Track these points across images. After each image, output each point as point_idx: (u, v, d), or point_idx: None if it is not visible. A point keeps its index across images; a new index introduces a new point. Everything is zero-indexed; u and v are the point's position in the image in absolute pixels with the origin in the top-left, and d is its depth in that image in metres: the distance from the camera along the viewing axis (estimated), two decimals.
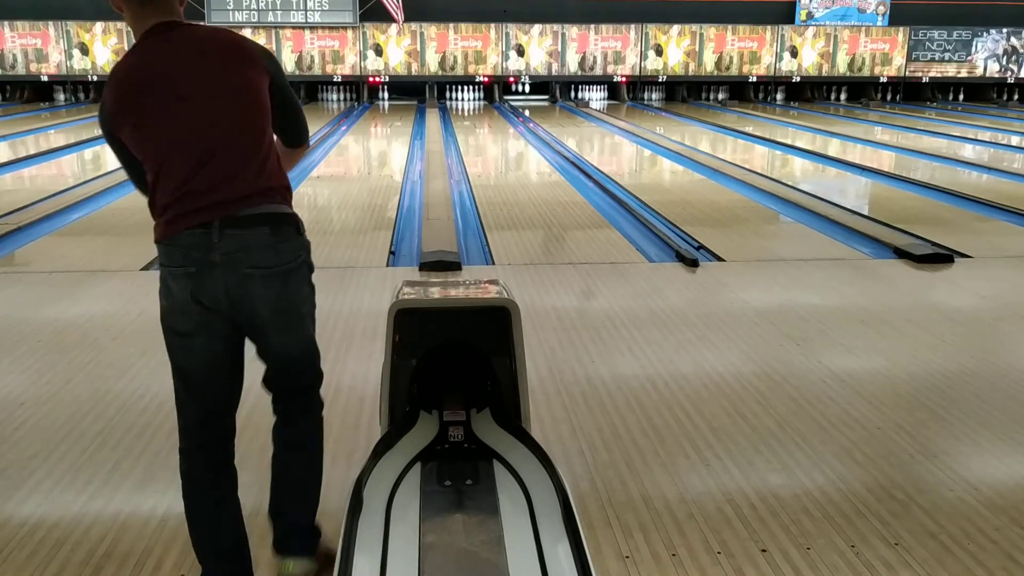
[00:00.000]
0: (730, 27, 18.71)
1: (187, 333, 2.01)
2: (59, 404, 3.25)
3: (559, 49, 18.57)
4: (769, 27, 18.81)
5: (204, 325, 2.00)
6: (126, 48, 15.02)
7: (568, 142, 12.10)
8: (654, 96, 19.57)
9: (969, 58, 19.28)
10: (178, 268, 1.97)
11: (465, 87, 19.11)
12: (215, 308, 1.98)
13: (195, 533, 2.13)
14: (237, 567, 2.13)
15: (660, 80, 19.07)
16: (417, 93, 18.72)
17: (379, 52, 18.28)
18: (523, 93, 19.45)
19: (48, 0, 17.58)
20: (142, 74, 1.98)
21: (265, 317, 2.03)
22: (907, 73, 19.29)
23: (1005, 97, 19.85)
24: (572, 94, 19.52)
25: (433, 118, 15.42)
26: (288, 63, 18.09)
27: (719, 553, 2.31)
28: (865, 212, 7.15)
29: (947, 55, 19.24)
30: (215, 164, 1.96)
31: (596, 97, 19.55)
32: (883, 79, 19.31)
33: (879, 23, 19.06)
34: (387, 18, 17.99)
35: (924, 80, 19.39)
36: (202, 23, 2.81)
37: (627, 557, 2.28)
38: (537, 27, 18.42)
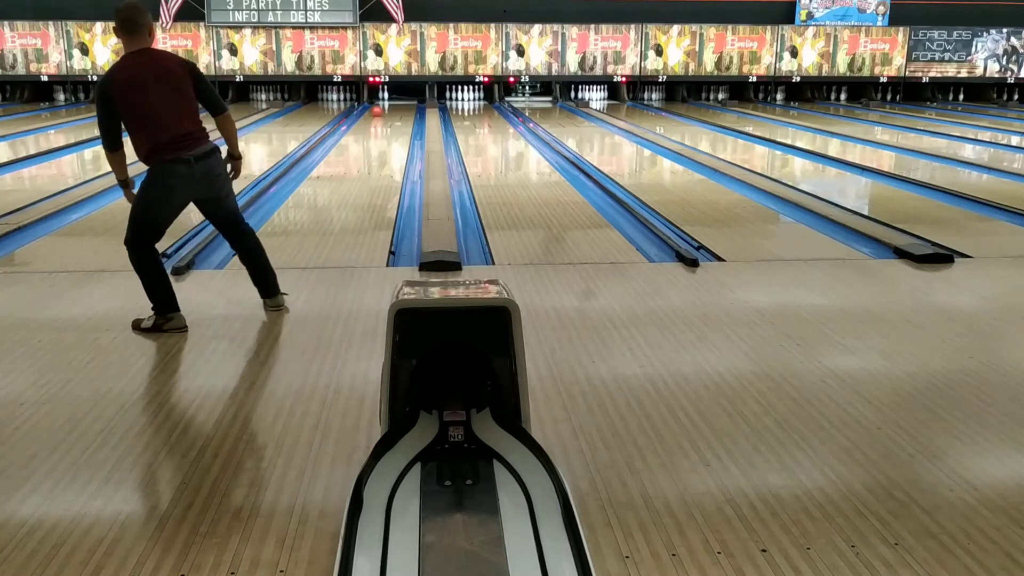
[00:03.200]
0: (730, 27, 18.71)
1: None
2: (59, 404, 3.25)
3: (559, 49, 18.58)
4: (769, 27, 18.82)
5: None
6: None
7: (568, 142, 12.10)
8: (654, 96, 19.58)
9: (969, 58, 19.29)
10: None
11: (465, 87, 19.11)
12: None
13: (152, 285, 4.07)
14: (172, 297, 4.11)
15: (660, 80, 19.07)
16: (417, 93, 18.73)
17: (379, 52, 18.29)
18: (524, 94, 19.48)
19: (48, 0, 17.58)
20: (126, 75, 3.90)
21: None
22: (907, 73, 19.29)
23: (1005, 97, 19.86)
24: (572, 94, 19.52)
25: (433, 118, 15.42)
26: (288, 63, 18.11)
27: (719, 553, 2.30)
28: (865, 212, 7.15)
29: (947, 55, 19.24)
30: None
31: (596, 97, 19.55)
32: (883, 79, 19.31)
33: (879, 23, 19.07)
34: (387, 18, 17.99)
35: (924, 80, 19.39)
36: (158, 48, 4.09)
37: (627, 557, 2.28)
38: (537, 27, 18.42)
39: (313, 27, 17.97)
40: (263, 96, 18.96)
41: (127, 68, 3.91)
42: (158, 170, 3.93)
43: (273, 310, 4.33)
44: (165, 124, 3.88)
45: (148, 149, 3.91)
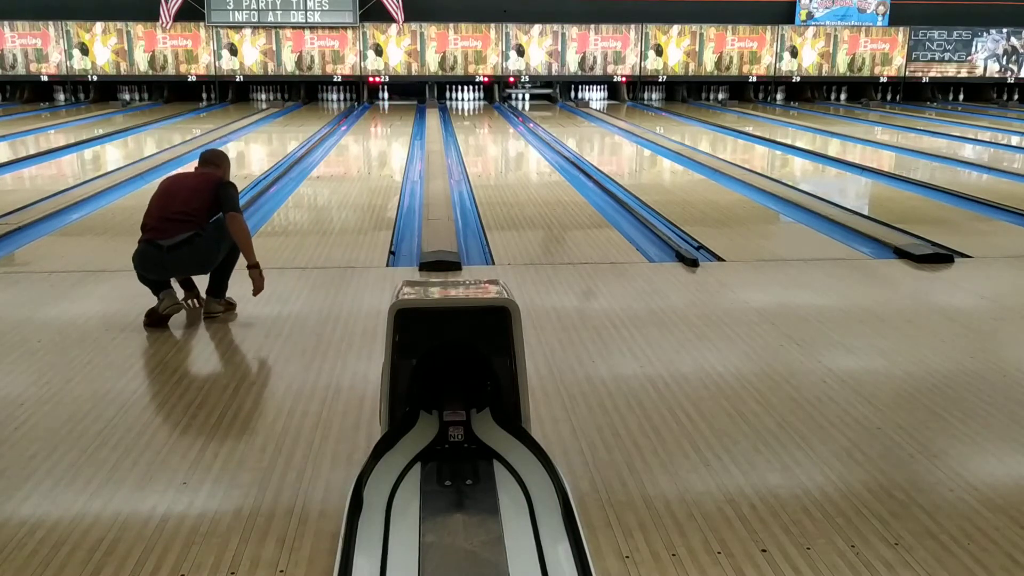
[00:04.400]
0: (730, 27, 18.71)
1: None
2: (59, 404, 3.25)
3: (559, 49, 18.58)
4: (769, 27, 18.82)
5: None
6: (126, 48, 15.23)
7: (568, 142, 12.10)
8: (654, 96, 19.58)
9: (969, 58, 19.29)
10: None
11: (465, 87, 19.12)
12: None
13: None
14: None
15: (660, 80, 19.08)
16: (417, 93, 18.73)
17: (379, 52, 18.29)
18: (524, 95, 19.50)
19: (48, 0, 17.58)
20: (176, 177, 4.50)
21: None
22: (907, 73, 19.30)
23: (1005, 97, 19.86)
24: (572, 94, 19.52)
25: (433, 118, 15.42)
26: (288, 63, 18.12)
27: (719, 553, 2.30)
28: (865, 212, 7.15)
29: (947, 55, 19.24)
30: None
31: (596, 97, 19.55)
32: (883, 79, 19.32)
33: (879, 23, 19.07)
34: (387, 18, 17.99)
35: (924, 80, 19.40)
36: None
37: (627, 557, 2.28)
38: (537, 27, 18.42)
39: (313, 27, 17.97)
40: (263, 96, 18.97)
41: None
42: (139, 244, 4.18)
43: (208, 315, 4.29)
44: (156, 209, 4.19)
45: (141, 226, 4.23)
